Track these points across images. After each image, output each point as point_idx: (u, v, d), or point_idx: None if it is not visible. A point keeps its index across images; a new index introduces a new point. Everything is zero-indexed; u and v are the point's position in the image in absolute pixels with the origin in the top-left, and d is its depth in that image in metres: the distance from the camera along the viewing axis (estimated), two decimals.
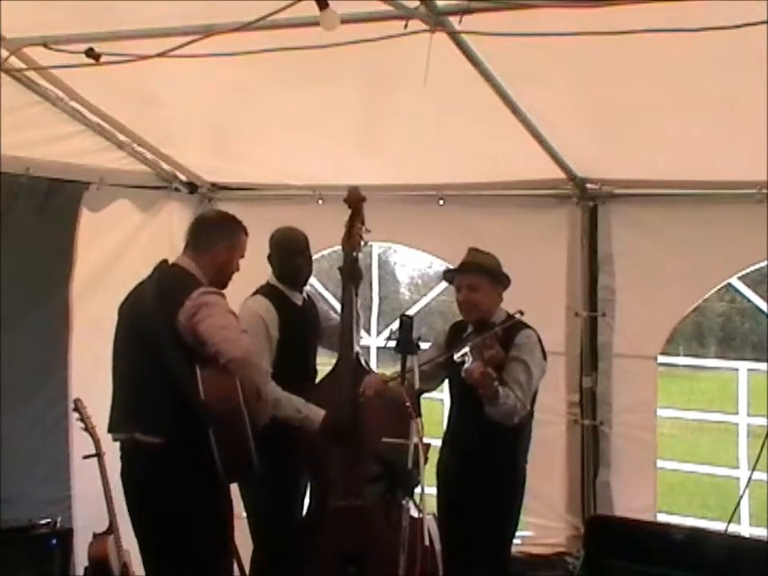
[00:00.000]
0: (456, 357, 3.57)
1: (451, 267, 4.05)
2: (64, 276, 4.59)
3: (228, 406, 3.13)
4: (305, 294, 4.27)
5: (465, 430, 3.80)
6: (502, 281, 3.82)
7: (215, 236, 3.44)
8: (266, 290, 4.10)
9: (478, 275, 3.78)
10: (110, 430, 3.37)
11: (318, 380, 4.17)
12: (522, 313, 3.62)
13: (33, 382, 4.44)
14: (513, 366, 3.61)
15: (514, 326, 3.67)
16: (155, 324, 3.19)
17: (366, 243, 4.15)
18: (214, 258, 3.41)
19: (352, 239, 4.07)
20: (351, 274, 4.07)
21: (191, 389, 3.10)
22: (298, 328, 4.03)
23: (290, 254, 4.15)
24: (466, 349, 3.52)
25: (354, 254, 4.07)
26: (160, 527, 3.21)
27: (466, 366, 3.45)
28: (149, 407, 3.19)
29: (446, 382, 4.04)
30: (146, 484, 3.21)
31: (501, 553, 3.84)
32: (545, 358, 3.80)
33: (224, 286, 3.45)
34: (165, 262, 3.50)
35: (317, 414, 3.85)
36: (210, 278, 3.38)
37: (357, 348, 4.07)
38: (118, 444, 3.37)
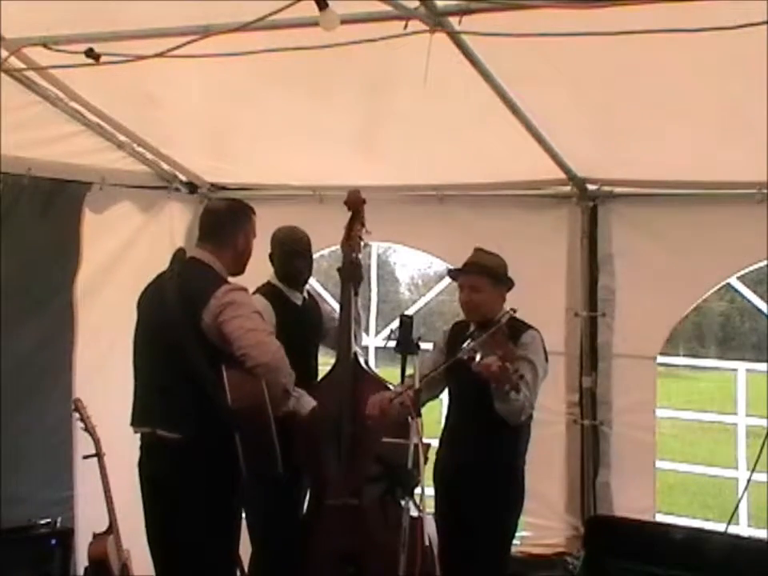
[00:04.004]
0: (464, 354, 3.53)
1: (454, 267, 4.05)
2: (68, 277, 4.58)
3: (255, 408, 3.12)
4: (305, 294, 4.27)
5: (465, 431, 3.79)
6: (504, 282, 3.82)
7: (231, 227, 3.42)
8: (264, 290, 4.10)
9: (479, 276, 3.77)
10: (132, 424, 3.37)
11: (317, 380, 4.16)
12: (514, 311, 3.62)
13: (37, 382, 4.42)
14: (520, 365, 3.58)
15: (519, 325, 3.68)
16: (178, 322, 3.16)
17: (366, 245, 4.15)
18: (233, 249, 3.41)
19: (351, 241, 4.08)
20: (350, 275, 4.07)
21: (216, 390, 3.09)
22: (297, 328, 4.02)
23: (292, 254, 4.15)
24: (471, 345, 3.51)
25: (353, 255, 4.07)
26: (171, 518, 3.22)
27: (477, 361, 3.42)
28: (170, 405, 3.19)
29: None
30: (162, 476, 3.22)
31: (501, 554, 3.83)
32: (546, 359, 3.80)
33: (243, 271, 3.47)
34: (182, 252, 3.47)
35: (307, 401, 3.80)
36: (230, 269, 3.40)
37: (357, 348, 4.07)
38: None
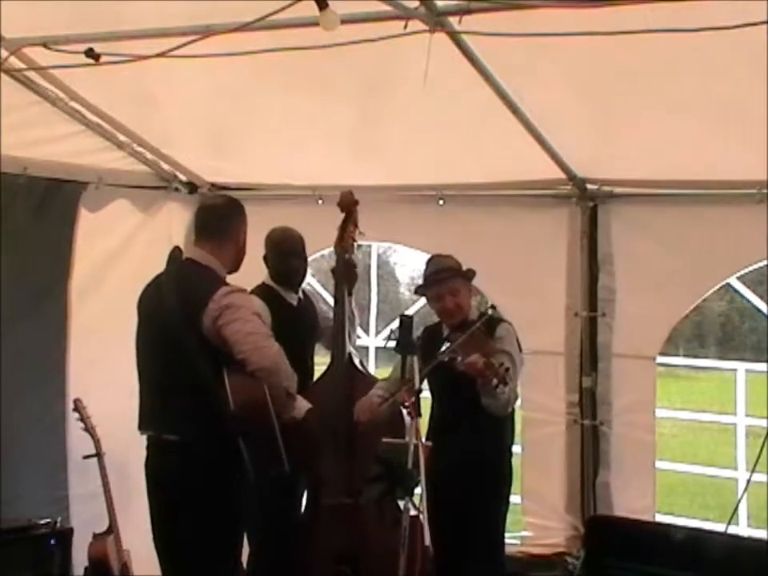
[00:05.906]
0: (445, 356, 3.55)
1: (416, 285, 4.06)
2: (63, 276, 4.57)
3: (257, 411, 3.11)
4: (301, 294, 4.28)
5: (449, 430, 3.80)
6: (470, 277, 3.86)
7: (229, 224, 3.37)
8: (260, 291, 4.09)
9: (455, 280, 3.82)
10: (138, 427, 3.35)
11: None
12: (494, 307, 3.67)
13: (31, 382, 4.42)
14: (499, 358, 3.61)
15: (492, 319, 3.72)
16: (177, 326, 3.13)
17: (359, 246, 4.17)
18: (230, 248, 3.36)
19: (344, 242, 4.09)
20: (343, 276, 4.09)
21: (218, 394, 3.08)
22: (293, 328, 4.01)
23: (286, 255, 4.17)
24: (451, 346, 3.52)
25: (347, 255, 4.09)
26: (174, 519, 3.21)
27: (461, 360, 3.44)
28: (173, 408, 3.18)
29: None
30: (166, 477, 3.21)
31: (496, 549, 3.85)
32: (520, 349, 3.84)
33: (238, 268, 3.43)
34: (178, 251, 3.43)
35: (301, 406, 3.81)
36: (229, 268, 3.36)
37: (351, 348, 4.08)
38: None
